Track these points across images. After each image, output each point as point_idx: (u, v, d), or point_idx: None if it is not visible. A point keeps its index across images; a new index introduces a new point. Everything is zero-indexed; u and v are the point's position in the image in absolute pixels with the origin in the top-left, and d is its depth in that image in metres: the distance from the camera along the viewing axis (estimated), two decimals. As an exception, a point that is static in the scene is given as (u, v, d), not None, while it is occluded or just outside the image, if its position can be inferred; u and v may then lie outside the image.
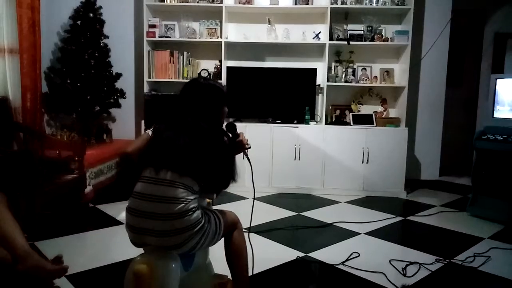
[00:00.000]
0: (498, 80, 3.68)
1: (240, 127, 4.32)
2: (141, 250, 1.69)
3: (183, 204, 1.57)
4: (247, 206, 3.83)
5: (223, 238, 1.83)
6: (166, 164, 1.65)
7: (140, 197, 1.64)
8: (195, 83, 1.89)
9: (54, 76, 4.18)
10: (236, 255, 1.84)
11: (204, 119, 1.78)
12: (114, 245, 2.83)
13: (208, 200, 1.91)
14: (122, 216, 3.25)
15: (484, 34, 5.60)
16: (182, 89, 1.88)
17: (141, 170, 1.70)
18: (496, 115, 3.68)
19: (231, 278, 1.88)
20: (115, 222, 3.25)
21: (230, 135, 1.89)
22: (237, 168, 1.83)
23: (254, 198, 2.14)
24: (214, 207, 1.89)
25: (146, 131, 1.84)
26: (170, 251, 1.60)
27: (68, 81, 4.05)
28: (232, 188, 4.20)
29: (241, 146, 1.93)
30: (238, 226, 1.89)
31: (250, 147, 1.98)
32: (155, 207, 1.59)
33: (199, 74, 4.49)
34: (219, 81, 4.43)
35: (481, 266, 2.57)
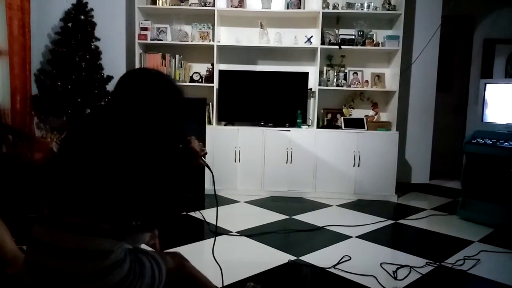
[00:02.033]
0: (487, 85, 3.72)
1: (232, 130, 4.33)
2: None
3: (103, 260, 1.13)
4: (238, 210, 3.82)
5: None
6: (71, 205, 1.16)
7: (39, 248, 1.16)
8: (142, 73, 1.39)
9: (45, 78, 4.14)
10: None
11: (149, 124, 1.26)
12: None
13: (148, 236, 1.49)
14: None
15: (473, 39, 5.67)
16: (120, 79, 1.34)
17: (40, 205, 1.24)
18: (485, 119, 3.72)
19: None
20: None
21: (180, 145, 1.46)
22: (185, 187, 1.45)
23: (217, 207, 1.86)
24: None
25: (54, 142, 1.38)
26: None
27: (59, 83, 4.01)
28: (223, 191, 4.24)
29: (195, 155, 1.47)
30: (190, 270, 1.52)
31: (206, 153, 1.54)
32: (62, 264, 1.12)
33: (191, 77, 4.49)
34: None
35: (471, 269, 2.58)
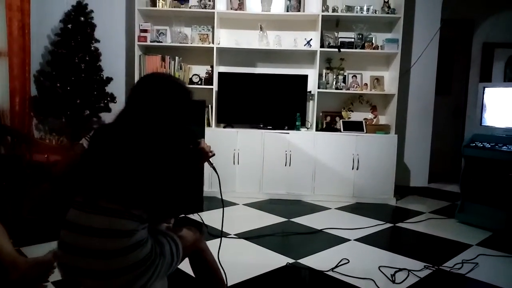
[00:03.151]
0: (486, 89, 3.73)
1: (231, 132, 4.33)
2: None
3: (128, 238, 1.30)
4: (237, 212, 3.82)
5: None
6: (103, 194, 1.33)
7: (73, 229, 1.34)
8: (156, 78, 1.54)
9: (44, 79, 4.14)
10: (212, 274, 1.70)
11: (165, 125, 1.45)
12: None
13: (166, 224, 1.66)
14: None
15: (473, 43, 5.68)
16: (138, 83, 1.53)
17: (71, 195, 1.42)
18: (484, 123, 3.73)
19: None
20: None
21: (190, 145, 1.63)
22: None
23: (223, 208, 1.91)
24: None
25: (80, 142, 1.58)
26: None
27: (58, 84, 4.01)
28: (222, 194, 4.22)
29: (204, 155, 1.65)
30: (201, 244, 1.70)
31: (214, 154, 1.70)
32: (92, 242, 1.29)
33: (190, 78, 4.50)
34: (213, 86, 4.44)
35: (469, 273, 2.59)
